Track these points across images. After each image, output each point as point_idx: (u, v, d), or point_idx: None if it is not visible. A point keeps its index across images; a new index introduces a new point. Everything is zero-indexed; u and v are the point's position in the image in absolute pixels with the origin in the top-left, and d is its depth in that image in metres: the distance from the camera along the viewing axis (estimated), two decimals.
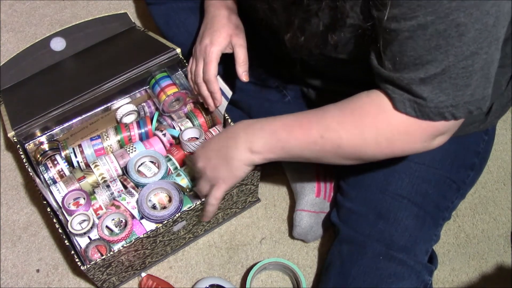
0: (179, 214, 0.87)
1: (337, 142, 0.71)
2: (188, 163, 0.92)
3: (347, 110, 0.71)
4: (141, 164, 0.97)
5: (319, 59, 0.80)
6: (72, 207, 0.92)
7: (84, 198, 0.93)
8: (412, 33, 0.60)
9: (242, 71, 0.89)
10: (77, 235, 0.89)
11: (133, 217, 0.93)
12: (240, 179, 0.80)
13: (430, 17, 0.58)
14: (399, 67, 0.63)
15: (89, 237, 0.91)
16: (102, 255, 0.87)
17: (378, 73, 0.67)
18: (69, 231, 0.89)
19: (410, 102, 0.65)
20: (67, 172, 0.97)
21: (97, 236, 0.91)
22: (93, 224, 0.90)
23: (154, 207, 0.93)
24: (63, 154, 0.98)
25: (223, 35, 0.88)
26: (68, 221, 0.90)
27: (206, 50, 0.88)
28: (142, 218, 0.93)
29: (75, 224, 0.90)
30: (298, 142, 0.73)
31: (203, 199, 0.87)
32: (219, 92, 0.92)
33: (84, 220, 0.91)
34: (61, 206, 0.92)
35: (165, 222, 0.86)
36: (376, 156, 0.71)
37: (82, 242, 0.91)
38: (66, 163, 0.97)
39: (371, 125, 0.69)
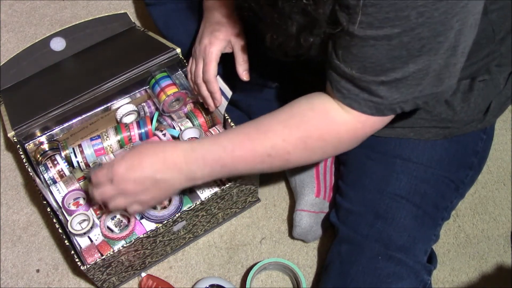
0: (179, 214, 0.87)
1: (286, 157, 0.73)
2: (95, 180, 0.80)
3: (291, 124, 0.72)
4: None
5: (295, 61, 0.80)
6: (72, 207, 0.92)
7: (84, 198, 0.93)
8: (377, 41, 0.61)
9: (243, 70, 0.90)
10: (77, 235, 0.89)
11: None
12: None
13: (397, 30, 0.59)
14: (359, 70, 0.65)
15: (89, 237, 0.91)
16: (102, 255, 0.87)
17: (340, 72, 0.67)
18: (69, 231, 0.89)
19: (365, 101, 0.67)
20: (67, 172, 0.97)
21: (97, 237, 0.91)
22: (93, 224, 0.90)
23: (154, 207, 0.93)
24: (63, 154, 0.98)
25: (222, 35, 0.88)
26: (68, 221, 0.90)
27: (206, 50, 0.88)
28: (142, 218, 0.93)
29: (75, 224, 0.90)
30: (244, 164, 0.74)
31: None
32: (219, 92, 0.92)
33: (84, 220, 0.91)
34: (61, 206, 0.92)
35: (165, 222, 0.86)
36: (321, 159, 0.76)
37: (82, 242, 0.91)
38: (66, 163, 0.97)
39: (318, 138, 0.71)
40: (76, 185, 0.94)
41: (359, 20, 0.60)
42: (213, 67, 0.88)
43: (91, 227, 0.90)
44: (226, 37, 0.88)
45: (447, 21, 0.59)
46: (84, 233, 0.90)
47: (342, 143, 0.72)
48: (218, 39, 0.88)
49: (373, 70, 0.64)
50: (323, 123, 0.71)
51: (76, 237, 0.91)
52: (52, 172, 0.96)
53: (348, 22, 0.61)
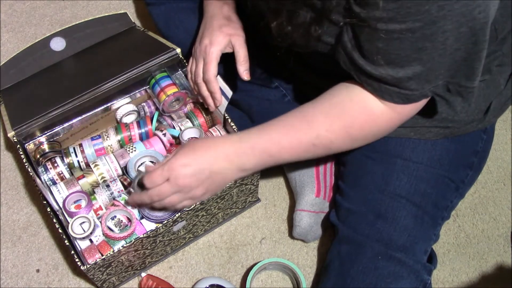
0: (179, 214, 0.87)
1: (329, 146, 0.77)
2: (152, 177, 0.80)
3: (333, 114, 0.75)
4: (141, 164, 0.97)
5: (303, 52, 0.81)
6: (74, 210, 0.92)
7: (85, 200, 0.92)
8: (400, 35, 0.63)
9: (243, 69, 0.90)
10: (78, 238, 0.89)
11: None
12: None
13: (419, 24, 0.61)
14: (384, 63, 0.67)
15: (90, 239, 0.91)
16: (102, 255, 0.87)
17: (362, 70, 0.70)
18: (70, 234, 0.88)
19: (396, 93, 0.70)
20: (67, 175, 0.97)
21: (97, 238, 0.91)
22: (94, 226, 0.90)
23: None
24: (66, 161, 0.98)
25: (222, 34, 0.88)
26: (69, 223, 0.90)
27: (206, 50, 0.88)
28: (142, 218, 0.93)
29: (76, 226, 0.90)
30: (290, 154, 0.78)
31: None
32: (219, 92, 0.92)
33: (85, 222, 0.91)
34: (61, 206, 0.92)
35: (165, 222, 0.86)
36: (362, 145, 0.80)
37: (82, 242, 0.91)
38: (66, 166, 0.97)
39: (359, 128, 0.75)
40: (77, 187, 0.94)
41: (382, 15, 0.62)
42: (213, 67, 0.88)
43: (92, 230, 0.89)
44: (227, 37, 0.88)
45: (468, 12, 0.60)
46: (85, 237, 0.89)
47: (381, 130, 0.77)
48: (219, 39, 0.88)
49: (397, 61, 0.66)
50: (362, 115, 0.74)
51: (77, 240, 0.90)
52: (52, 174, 0.96)
53: (369, 18, 0.63)
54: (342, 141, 0.76)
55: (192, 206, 0.87)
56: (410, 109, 0.74)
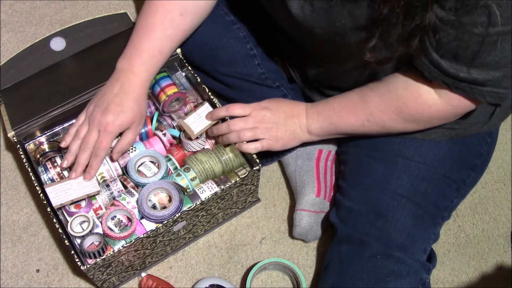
0: (179, 214, 0.87)
1: (381, 124, 0.84)
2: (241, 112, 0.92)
3: (386, 98, 0.82)
4: (141, 164, 0.97)
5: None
6: (73, 209, 0.92)
7: (85, 200, 0.92)
8: (499, 37, 0.63)
9: (115, 157, 0.92)
10: (77, 237, 0.89)
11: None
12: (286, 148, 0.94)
13: None
14: (478, 64, 0.68)
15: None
16: (103, 252, 0.87)
17: (453, 76, 0.71)
18: (69, 233, 0.88)
19: (489, 93, 0.72)
20: (67, 175, 0.97)
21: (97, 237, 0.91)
22: (93, 225, 0.90)
23: (154, 207, 0.93)
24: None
25: (128, 119, 0.88)
26: (68, 222, 0.90)
27: (107, 127, 0.87)
28: (142, 218, 0.93)
29: (75, 225, 0.90)
30: (347, 125, 0.87)
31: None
32: (95, 170, 0.90)
33: (84, 221, 0.91)
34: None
35: (165, 222, 0.86)
36: (416, 131, 0.86)
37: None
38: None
39: (409, 114, 0.81)
40: None
41: (480, 20, 0.62)
42: (108, 145, 0.89)
43: (91, 229, 0.89)
44: (130, 123, 0.89)
45: None
46: (85, 236, 0.89)
47: (433, 120, 0.81)
48: (123, 123, 0.88)
49: (494, 63, 0.67)
50: (414, 103, 0.80)
51: (76, 239, 0.91)
52: (52, 173, 0.96)
53: (464, 23, 0.64)
54: (393, 122, 0.83)
55: (193, 206, 0.88)
56: (466, 104, 0.76)
